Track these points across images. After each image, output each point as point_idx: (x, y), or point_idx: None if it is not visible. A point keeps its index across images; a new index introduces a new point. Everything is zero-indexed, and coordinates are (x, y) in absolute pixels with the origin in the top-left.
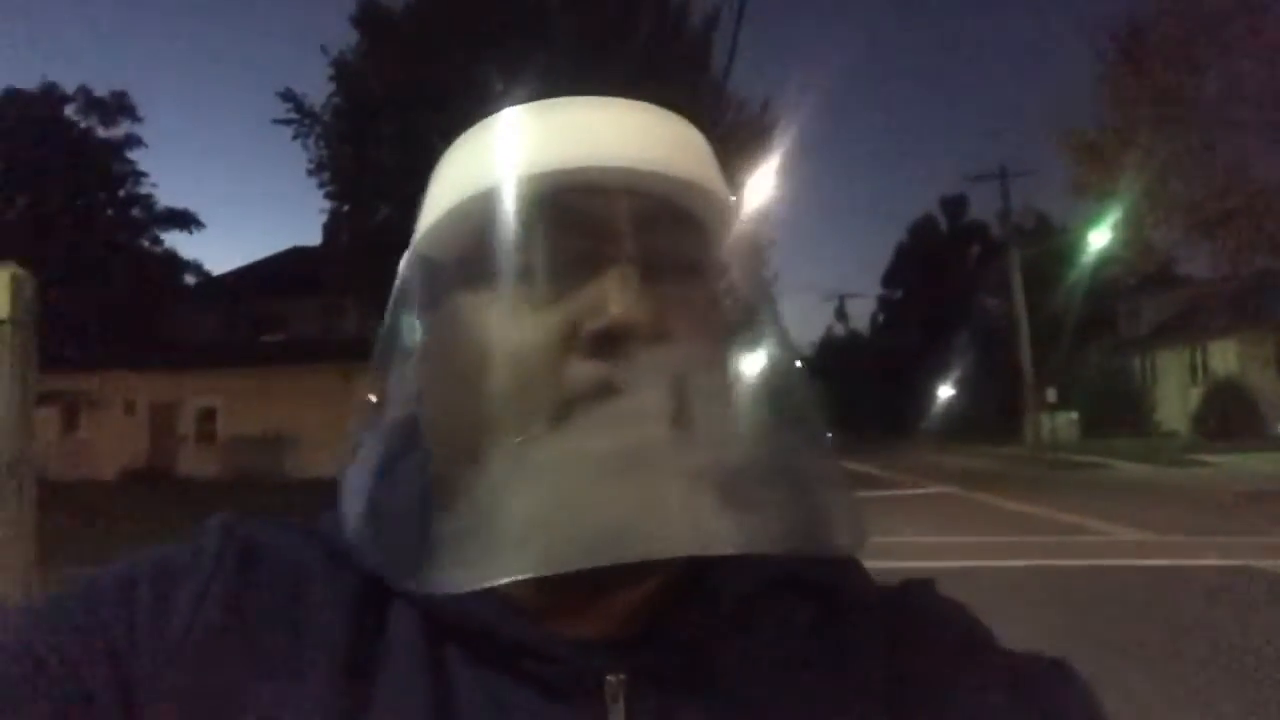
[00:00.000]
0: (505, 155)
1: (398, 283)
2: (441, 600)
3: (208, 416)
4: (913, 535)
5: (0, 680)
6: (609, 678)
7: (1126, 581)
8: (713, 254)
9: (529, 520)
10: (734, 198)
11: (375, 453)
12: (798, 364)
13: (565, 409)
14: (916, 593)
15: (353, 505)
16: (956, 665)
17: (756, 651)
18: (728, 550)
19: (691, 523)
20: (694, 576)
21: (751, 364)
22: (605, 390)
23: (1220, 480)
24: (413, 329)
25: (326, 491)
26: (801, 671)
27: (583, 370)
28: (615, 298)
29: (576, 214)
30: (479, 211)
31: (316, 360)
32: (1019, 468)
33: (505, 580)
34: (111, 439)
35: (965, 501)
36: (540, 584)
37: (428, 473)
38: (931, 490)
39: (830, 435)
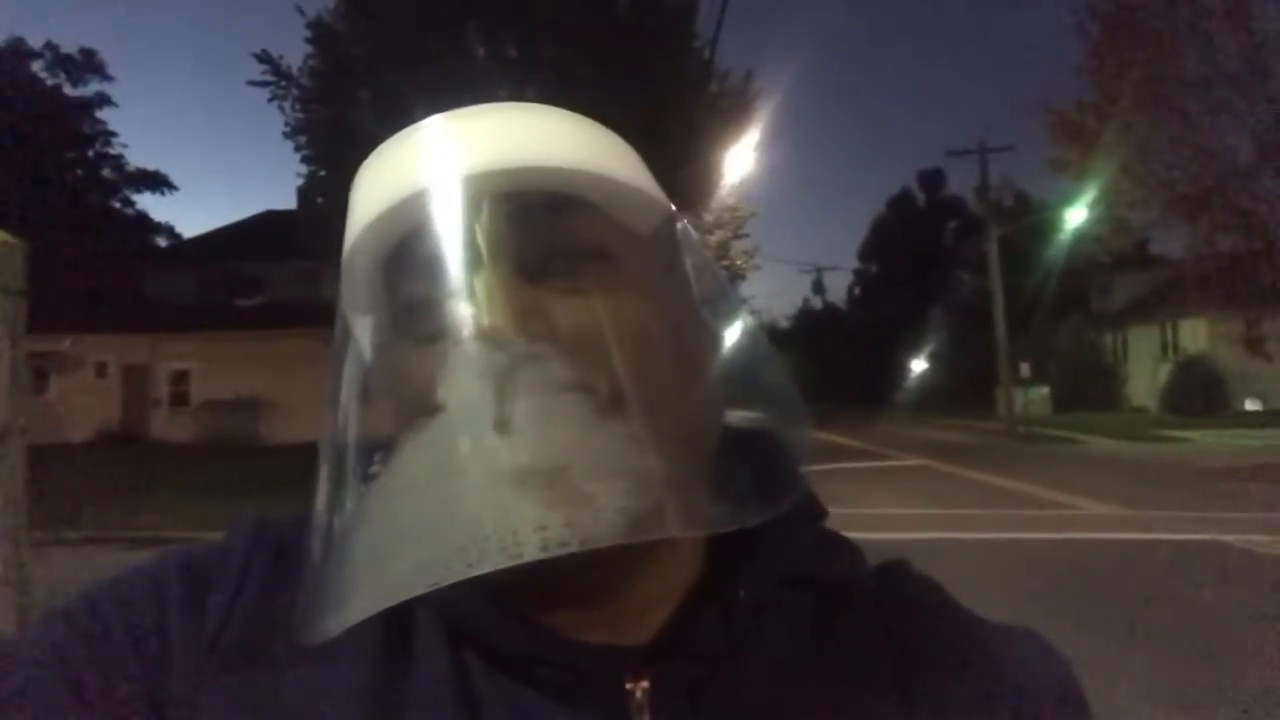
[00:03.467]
0: (382, 184)
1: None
2: (460, 610)
3: (181, 379)
4: (884, 507)
5: (34, 684)
6: (630, 686)
7: (1096, 555)
8: (615, 239)
9: (365, 557)
10: (649, 189)
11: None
12: (722, 336)
13: (413, 431)
14: (897, 575)
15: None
16: (940, 643)
17: (773, 651)
18: (546, 554)
19: (508, 530)
20: (709, 581)
21: (654, 344)
22: (444, 404)
23: (1190, 455)
24: (344, 354)
25: (301, 457)
26: (817, 669)
27: (436, 385)
28: (481, 310)
29: (450, 230)
30: (372, 237)
31: (293, 325)
32: (991, 441)
33: (352, 623)
34: (83, 402)
35: (937, 474)
36: (528, 594)
37: (324, 517)
38: (904, 462)
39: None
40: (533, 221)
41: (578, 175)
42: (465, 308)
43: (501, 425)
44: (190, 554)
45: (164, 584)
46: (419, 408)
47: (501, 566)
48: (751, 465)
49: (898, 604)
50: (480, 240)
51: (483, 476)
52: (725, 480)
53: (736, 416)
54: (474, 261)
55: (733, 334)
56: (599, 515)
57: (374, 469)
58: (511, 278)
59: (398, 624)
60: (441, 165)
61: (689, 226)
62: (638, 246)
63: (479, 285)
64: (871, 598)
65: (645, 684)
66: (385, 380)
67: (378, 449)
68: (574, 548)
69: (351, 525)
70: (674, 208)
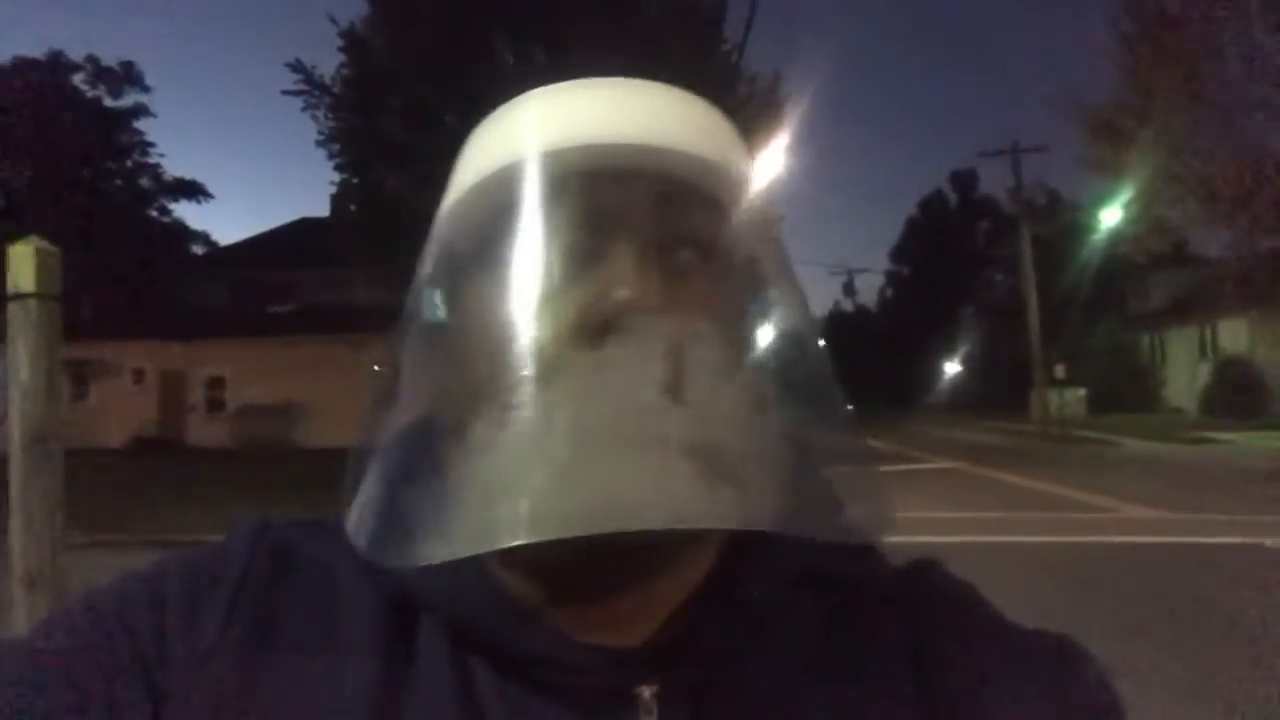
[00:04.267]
0: (523, 136)
1: (420, 263)
2: (464, 613)
3: (216, 385)
4: (920, 510)
5: (34, 689)
6: (641, 689)
7: (1136, 559)
8: (728, 233)
9: (501, 491)
10: (753, 176)
11: (390, 437)
12: (818, 342)
13: (561, 385)
14: (928, 575)
15: (357, 497)
16: (974, 650)
17: (783, 653)
18: (706, 524)
19: (671, 496)
20: (718, 580)
21: (764, 341)
22: (600, 366)
23: (1230, 457)
24: (434, 310)
25: (336, 460)
26: (829, 671)
27: (583, 348)
28: (621, 280)
29: (588, 195)
30: (495, 191)
31: (325, 330)
32: (1027, 443)
33: (470, 553)
34: (121, 408)
35: (973, 477)
36: (544, 586)
37: (428, 457)
38: (939, 465)
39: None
40: (678, 204)
41: (707, 167)
42: (630, 270)
43: (673, 392)
44: (190, 557)
45: (164, 586)
46: (568, 355)
47: (660, 527)
48: (843, 472)
49: (925, 605)
50: (639, 212)
51: (651, 437)
52: (834, 487)
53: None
54: (642, 234)
55: (802, 331)
56: (756, 500)
57: (510, 406)
58: (672, 257)
59: (400, 624)
60: (607, 130)
61: (778, 225)
62: (755, 244)
63: (631, 258)
64: (890, 598)
65: (654, 687)
66: (516, 320)
67: (501, 390)
68: (731, 525)
69: (476, 457)
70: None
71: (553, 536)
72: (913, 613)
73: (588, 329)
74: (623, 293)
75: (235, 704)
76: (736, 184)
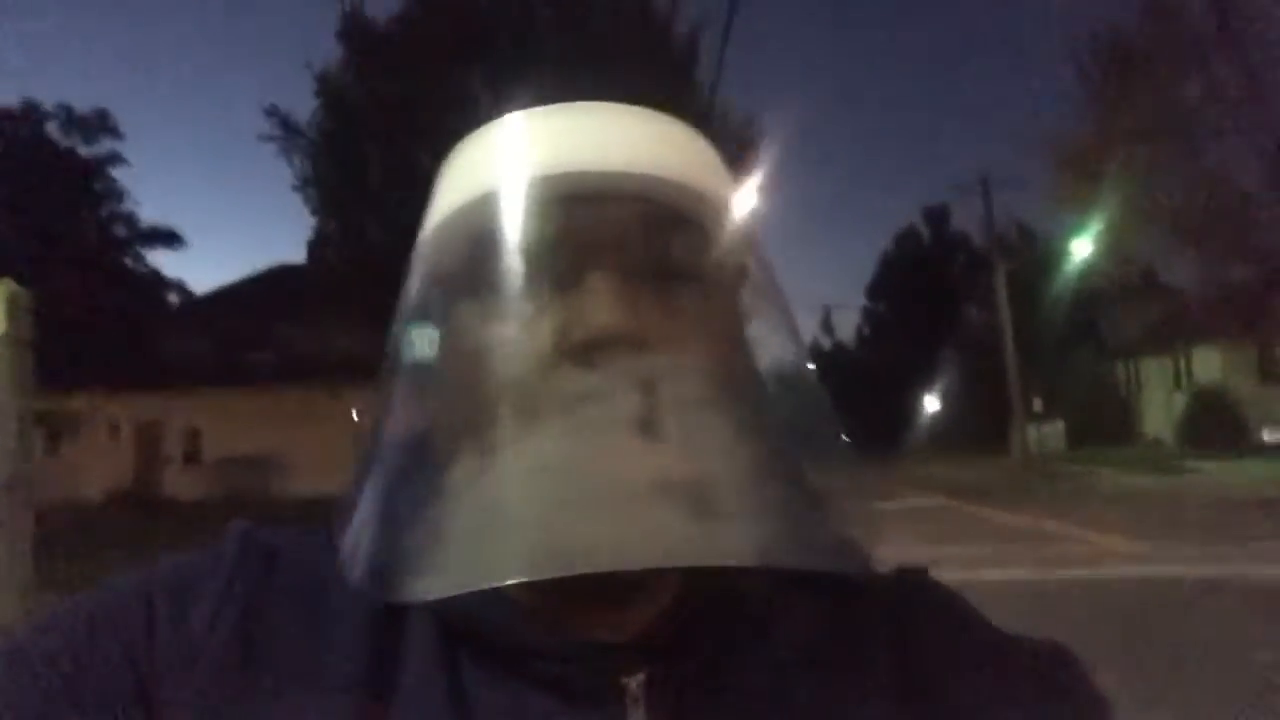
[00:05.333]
0: (502, 161)
1: (403, 292)
2: (456, 608)
3: (193, 437)
4: (902, 547)
5: (24, 692)
6: (627, 681)
7: (1121, 592)
8: (711, 258)
9: (482, 532)
10: (737, 200)
11: (377, 469)
12: (808, 368)
13: (540, 418)
14: (914, 581)
15: (350, 520)
16: (960, 653)
17: (772, 652)
18: (689, 563)
19: (653, 534)
20: (712, 582)
21: (753, 366)
22: (580, 399)
23: (1210, 487)
24: (418, 337)
25: (316, 512)
26: (816, 670)
27: (562, 379)
28: (598, 307)
29: (566, 223)
30: (475, 217)
31: (304, 379)
32: (1008, 478)
33: (457, 592)
34: (96, 461)
35: (955, 513)
36: (536, 592)
37: (415, 484)
38: (920, 503)
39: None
40: (657, 230)
41: (688, 193)
42: (609, 303)
43: (649, 429)
44: (178, 563)
45: (152, 593)
46: (550, 392)
47: (642, 567)
48: (834, 499)
49: (913, 608)
50: (616, 241)
51: (630, 476)
52: (824, 515)
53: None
54: (622, 262)
55: (790, 359)
56: (738, 534)
57: (493, 440)
58: (653, 284)
59: (388, 616)
60: (588, 156)
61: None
62: (724, 270)
63: (609, 285)
64: (879, 599)
65: (641, 678)
66: (497, 356)
67: (481, 422)
68: (714, 562)
69: (462, 493)
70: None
71: (531, 578)
72: (901, 614)
73: (568, 359)
74: (602, 321)
75: (223, 707)
76: (720, 208)
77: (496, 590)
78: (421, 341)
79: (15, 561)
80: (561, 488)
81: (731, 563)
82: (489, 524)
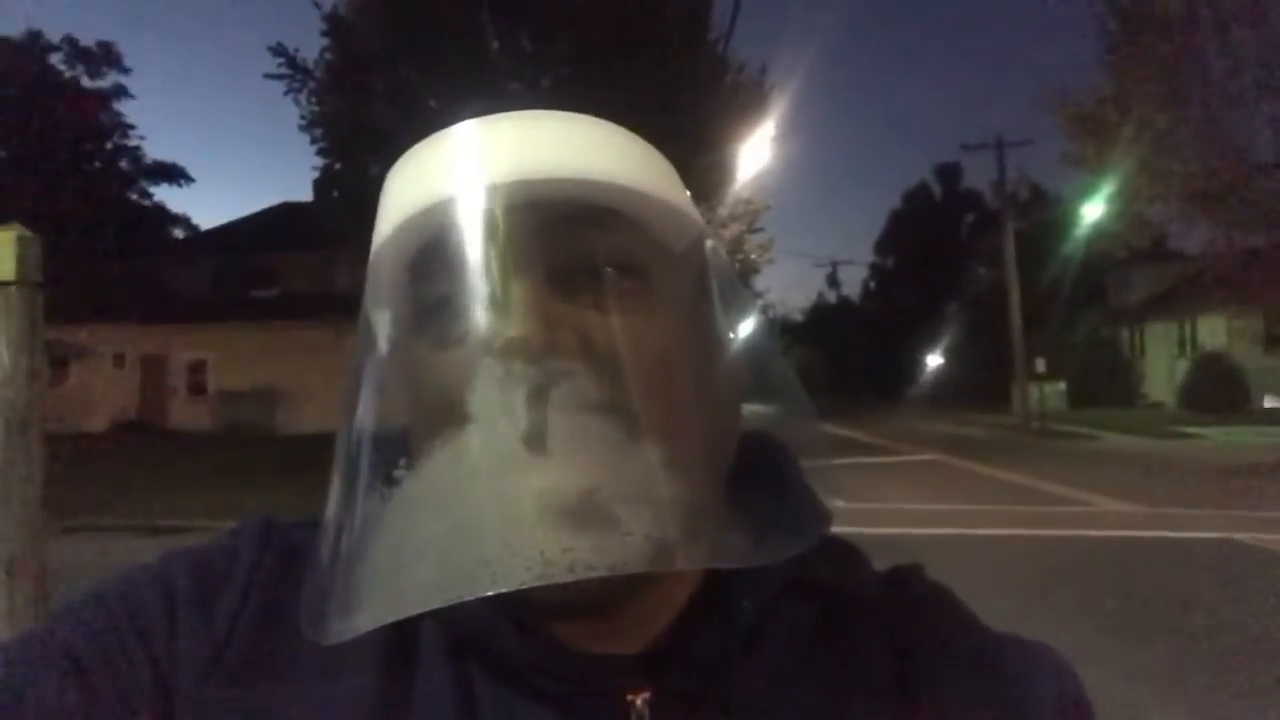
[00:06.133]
0: (434, 176)
1: (361, 308)
2: (462, 619)
3: (198, 369)
4: (896, 502)
5: (43, 685)
6: (631, 697)
7: (1110, 552)
8: (644, 254)
9: (383, 565)
10: (683, 205)
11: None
12: (757, 358)
13: (445, 440)
14: (907, 582)
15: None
16: (950, 656)
17: (773, 659)
18: (570, 577)
19: (535, 550)
20: (710, 590)
21: (673, 366)
22: (481, 416)
23: (1207, 453)
24: (366, 352)
25: (317, 445)
26: (817, 676)
27: (473, 396)
28: (509, 321)
29: (488, 236)
30: (399, 240)
31: (308, 315)
32: (1007, 436)
33: (373, 626)
34: (101, 391)
35: (953, 469)
36: (535, 607)
37: (343, 518)
38: (919, 457)
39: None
40: (565, 233)
41: (613, 188)
42: (497, 317)
43: (533, 442)
44: (198, 555)
45: (172, 585)
46: (445, 415)
47: (526, 586)
48: (772, 490)
49: (904, 612)
50: (513, 249)
51: (512, 493)
52: (748, 508)
53: (754, 434)
54: (506, 270)
55: (751, 348)
56: (627, 541)
57: (397, 473)
58: (543, 289)
59: (402, 634)
60: (476, 171)
61: (719, 246)
62: (669, 264)
63: (511, 295)
64: (875, 605)
65: (646, 694)
66: (409, 383)
67: (398, 451)
68: (601, 572)
69: (371, 529)
70: (706, 225)
71: (428, 607)
72: (893, 618)
73: (482, 376)
74: (513, 333)
75: (243, 705)
76: (660, 207)
77: (498, 602)
78: (359, 374)
79: (27, 501)
80: (455, 511)
81: (614, 572)
82: (395, 557)
